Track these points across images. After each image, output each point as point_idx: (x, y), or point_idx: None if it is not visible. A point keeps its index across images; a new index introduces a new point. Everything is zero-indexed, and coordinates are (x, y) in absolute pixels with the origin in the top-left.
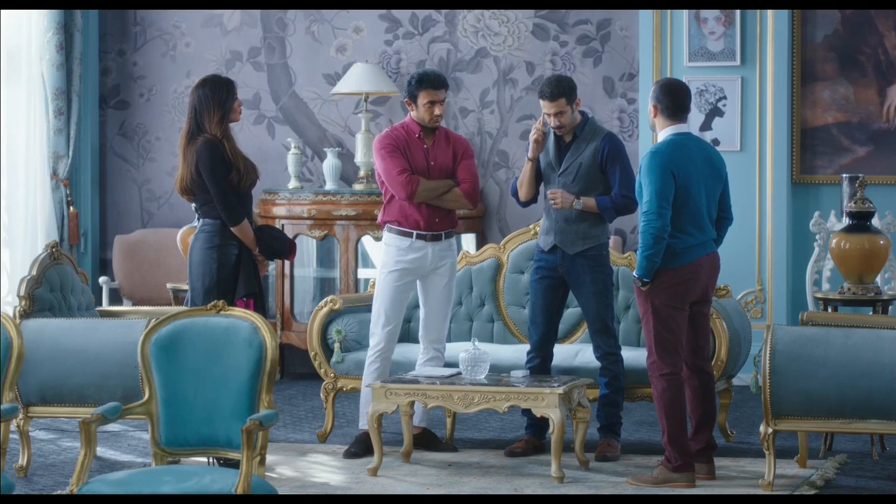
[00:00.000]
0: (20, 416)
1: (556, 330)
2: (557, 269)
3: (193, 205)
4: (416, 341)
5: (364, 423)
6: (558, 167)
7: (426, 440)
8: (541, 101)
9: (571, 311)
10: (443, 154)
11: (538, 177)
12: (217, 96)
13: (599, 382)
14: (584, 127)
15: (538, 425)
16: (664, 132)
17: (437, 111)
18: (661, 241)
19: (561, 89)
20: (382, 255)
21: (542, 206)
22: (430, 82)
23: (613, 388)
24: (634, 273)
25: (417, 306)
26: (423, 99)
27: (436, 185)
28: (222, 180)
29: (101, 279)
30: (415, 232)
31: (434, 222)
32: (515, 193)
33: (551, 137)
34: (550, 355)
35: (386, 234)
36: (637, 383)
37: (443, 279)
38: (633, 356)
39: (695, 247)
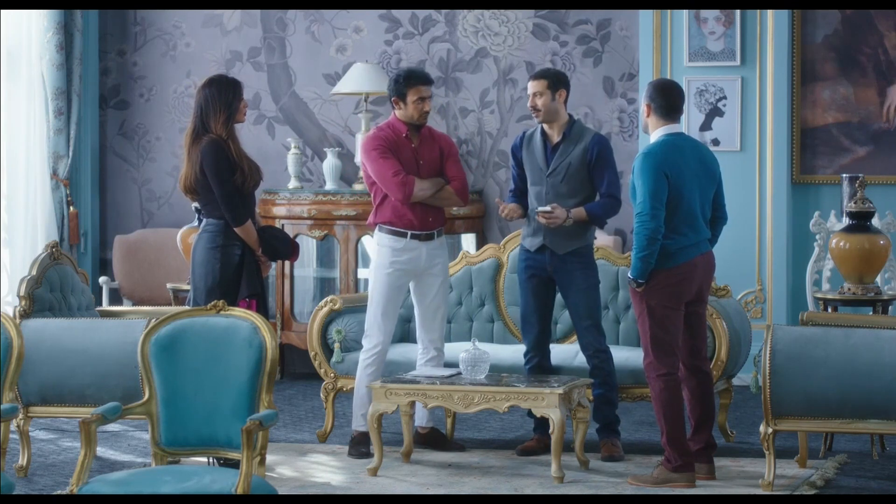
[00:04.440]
0: (20, 416)
1: (549, 328)
2: (546, 269)
3: (194, 205)
4: (415, 341)
5: (357, 424)
6: (547, 168)
7: (434, 440)
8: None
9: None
10: (430, 152)
11: (524, 192)
12: (223, 96)
13: (593, 382)
14: (572, 128)
15: (545, 425)
16: (657, 132)
17: (426, 107)
18: (655, 242)
19: (546, 72)
20: (376, 256)
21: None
22: (418, 79)
23: (608, 386)
24: (629, 274)
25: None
26: (412, 96)
27: (429, 184)
28: (226, 181)
29: (101, 279)
30: (409, 232)
31: (427, 221)
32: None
33: (538, 138)
34: (548, 353)
35: (379, 235)
36: (637, 383)
37: (437, 279)
38: (633, 356)
39: (689, 247)
